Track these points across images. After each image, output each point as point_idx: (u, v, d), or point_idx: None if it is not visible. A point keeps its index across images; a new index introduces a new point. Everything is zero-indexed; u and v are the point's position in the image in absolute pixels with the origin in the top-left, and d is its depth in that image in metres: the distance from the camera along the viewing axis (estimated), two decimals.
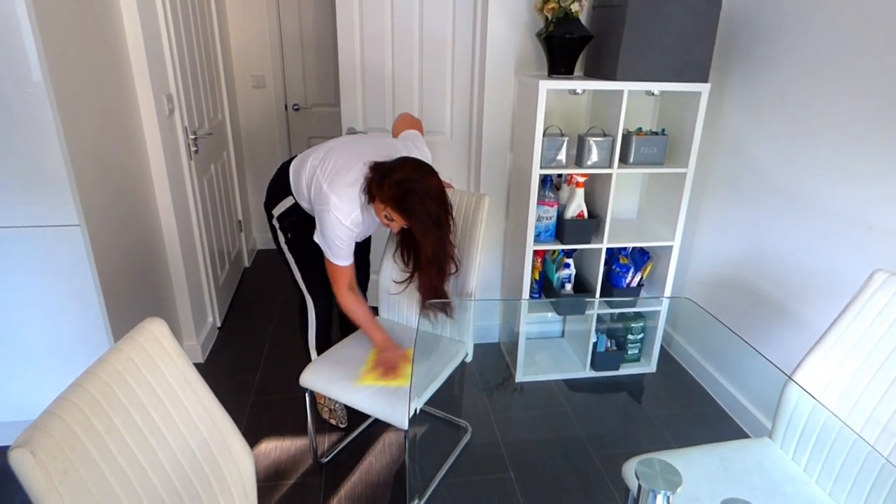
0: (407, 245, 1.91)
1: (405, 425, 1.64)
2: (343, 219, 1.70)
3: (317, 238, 1.79)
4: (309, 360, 2.16)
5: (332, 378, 1.79)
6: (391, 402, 1.68)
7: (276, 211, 1.99)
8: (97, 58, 1.91)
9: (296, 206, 1.95)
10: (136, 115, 2.21)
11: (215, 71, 3.13)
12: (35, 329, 1.88)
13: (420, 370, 1.77)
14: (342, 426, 2.24)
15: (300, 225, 1.96)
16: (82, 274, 1.83)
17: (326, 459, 2.07)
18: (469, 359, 2.00)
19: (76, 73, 1.78)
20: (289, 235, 2.00)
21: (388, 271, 2.09)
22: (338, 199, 1.69)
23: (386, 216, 1.67)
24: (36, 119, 1.63)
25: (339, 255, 1.77)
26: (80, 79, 1.80)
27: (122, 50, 2.10)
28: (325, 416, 2.26)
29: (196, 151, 2.65)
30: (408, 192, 1.58)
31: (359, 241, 1.87)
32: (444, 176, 2.27)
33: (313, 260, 1.95)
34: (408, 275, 1.92)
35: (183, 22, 2.52)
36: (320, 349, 2.17)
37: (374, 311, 2.20)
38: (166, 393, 1.02)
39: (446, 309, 1.91)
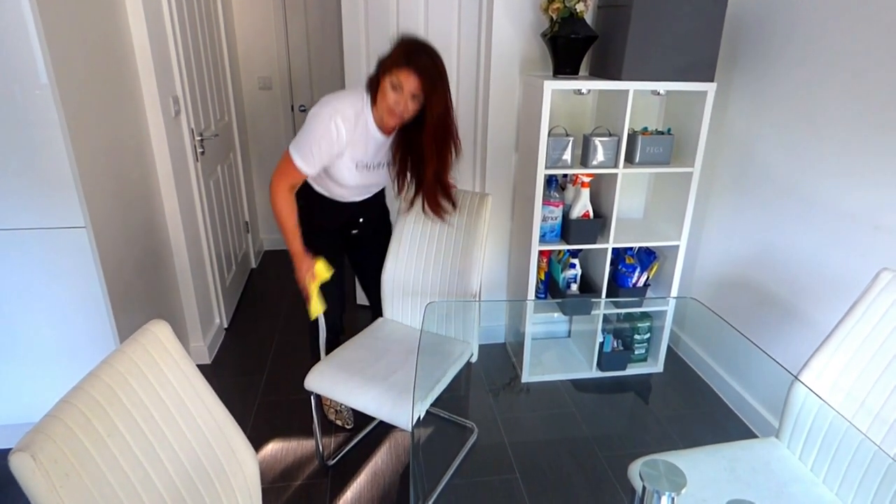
0: (405, 149, 1.82)
1: (410, 427, 1.64)
2: (334, 114, 1.65)
3: (291, 145, 1.72)
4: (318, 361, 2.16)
5: (337, 381, 1.79)
6: (396, 404, 1.68)
7: None
8: (103, 60, 1.92)
9: (302, 192, 1.87)
10: (142, 116, 2.22)
11: (222, 72, 3.15)
12: (41, 331, 1.89)
13: (425, 371, 1.77)
14: (348, 427, 2.25)
15: (308, 213, 1.88)
16: (88, 276, 1.84)
17: (332, 462, 2.07)
18: (474, 359, 2.00)
19: (82, 75, 1.79)
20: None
21: (392, 272, 2.10)
22: (336, 100, 1.69)
23: (393, 85, 1.60)
24: (42, 121, 1.64)
25: (304, 154, 1.68)
26: (87, 81, 1.82)
27: (128, 52, 2.11)
28: (332, 416, 2.26)
29: (202, 153, 2.66)
30: (415, 45, 1.61)
31: (354, 159, 1.77)
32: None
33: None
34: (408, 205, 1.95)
35: (189, 24, 2.54)
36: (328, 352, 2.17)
37: (378, 312, 2.20)
38: (169, 395, 1.02)
39: (452, 199, 1.90)
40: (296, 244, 1.82)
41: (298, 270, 1.83)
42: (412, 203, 1.96)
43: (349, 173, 1.80)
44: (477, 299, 1.99)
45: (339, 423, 2.26)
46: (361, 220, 2.06)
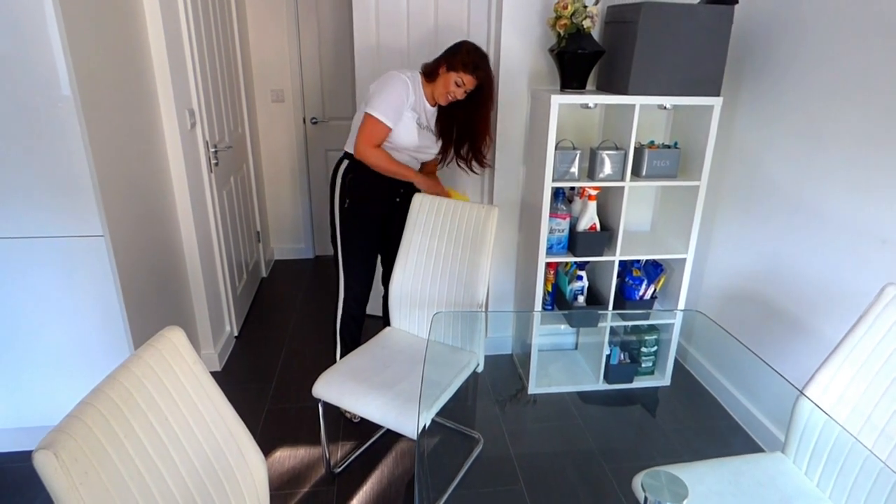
0: (451, 124, 2.23)
1: (415, 435, 1.66)
2: (402, 75, 2.06)
3: (369, 109, 2.04)
4: (335, 355, 2.31)
5: (344, 389, 1.81)
6: (402, 412, 1.70)
7: (341, 169, 2.19)
8: (123, 74, 1.98)
9: (351, 165, 2.16)
10: (159, 128, 2.27)
11: (236, 86, 3.21)
12: (59, 336, 1.94)
13: (431, 380, 1.79)
14: (355, 421, 2.34)
15: (358, 183, 2.16)
16: (105, 283, 1.88)
17: (339, 469, 2.09)
18: (480, 369, 2.02)
19: (103, 88, 1.84)
20: (346, 204, 2.17)
21: (400, 282, 2.13)
22: (399, 70, 2.09)
23: (457, 82, 2.03)
24: (64, 132, 1.69)
25: (384, 110, 2.02)
26: (107, 94, 1.87)
27: (146, 66, 2.17)
28: (342, 409, 2.34)
29: (216, 164, 2.72)
30: (479, 57, 2.04)
31: (415, 115, 2.11)
32: (460, 190, 2.33)
33: (359, 245, 2.21)
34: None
35: (206, 39, 2.60)
36: (344, 344, 2.31)
37: (386, 321, 2.23)
38: (183, 399, 1.05)
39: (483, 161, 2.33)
40: (411, 173, 2.15)
41: (429, 186, 2.19)
42: (458, 160, 2.33)
43: (410, 129, 2.11)
44: (483, 310, 2.01)
45: (347, 415, 2.36)
46: (402, 189, 2.28)
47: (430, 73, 2.11)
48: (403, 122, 2.08)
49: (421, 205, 2.15)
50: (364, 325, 2.38)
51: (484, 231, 2.01)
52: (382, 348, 2.05)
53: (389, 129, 2.06)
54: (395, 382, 1.83)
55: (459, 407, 2.49)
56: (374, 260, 2.33)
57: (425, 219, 2.14)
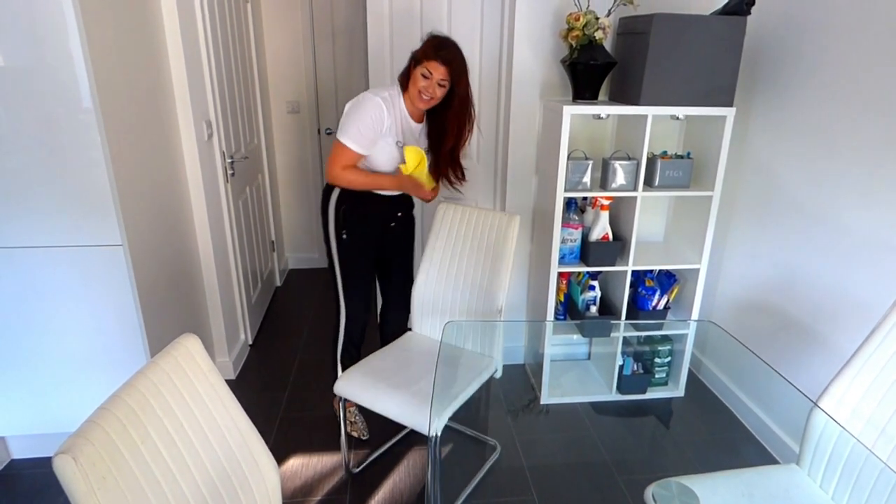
0: (430, 130, 2.07)
1: (430, 433, 1.68)
2: (374, 97, 1.89)
3: (338, 134, 1.93)
4: (335, 375, 2.22)
5: (364, 386, 1.87)
6: (418, 410, 1.73)
7: (332, 201, 2.07)
8: (143, 86, 2.03)
9: (343, 195, 2.05)
10: (176, 139, 2.32)
11: (252, 98, 3.27)
12: (78, 343, 1.97)
13: (446, 382, 1.81)
14: (364, 438, 2.31)
15: (353, 213, 2.05)
16: (123, 291, 1.92)
17: (357, 470, 2.12)
18: (498, 374, 2.02)
19: (123, 100, 1.89)
20: (343, 235, 2.07)
21: (423, 288, 2.17)
22: (370, 91, 1.94)
23: (423, 74, 1.86)
24: (85, 144, 1.73)
25: (353, 135, 1.90)
26: (127, 106, 1.91)
27: (165, 79, 2.22)
28: (348, 428, 2.32)
29: (232, 174, 2.76)
30: (442, 41, 1.89)
31: (390, 139, 1.96)
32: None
33: (359, 270, 2.13)
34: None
35: (223, 51, 2.65)
36: (345, 365, 2.23)
37: (393, 321, 2.27)
38: (198, 406, 1.07)
39: (462, 171, 2.14)
40: (387, 179, 2.00)
41: (403, 187, 2.03)
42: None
43: (388, 154, 1.98)
44: (500, 316, 2.03)
45: (354, 433, 2.32)
46: (399, 213, 2.21)
47: (405, 79, 1.96)
48: (380, 147, 1.95)
49: (445, 213, 2.19)
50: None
51: (505, 238, 2.06)
52: (402, 350, 2.11)
53: (356, 156, 1.94)
54: (415, 381, 1.88)
55: (473, 416, 2.49)
56: (373, 282, 2.26)
57: (448, 226, 2.18)
